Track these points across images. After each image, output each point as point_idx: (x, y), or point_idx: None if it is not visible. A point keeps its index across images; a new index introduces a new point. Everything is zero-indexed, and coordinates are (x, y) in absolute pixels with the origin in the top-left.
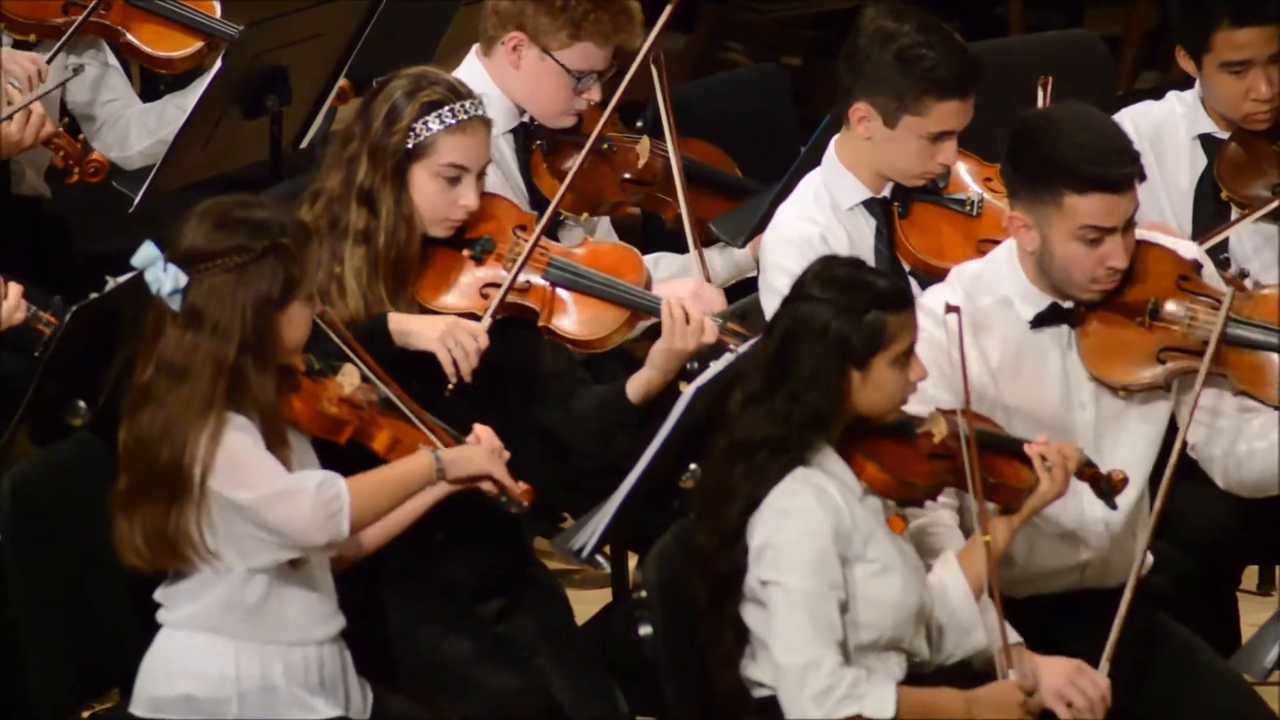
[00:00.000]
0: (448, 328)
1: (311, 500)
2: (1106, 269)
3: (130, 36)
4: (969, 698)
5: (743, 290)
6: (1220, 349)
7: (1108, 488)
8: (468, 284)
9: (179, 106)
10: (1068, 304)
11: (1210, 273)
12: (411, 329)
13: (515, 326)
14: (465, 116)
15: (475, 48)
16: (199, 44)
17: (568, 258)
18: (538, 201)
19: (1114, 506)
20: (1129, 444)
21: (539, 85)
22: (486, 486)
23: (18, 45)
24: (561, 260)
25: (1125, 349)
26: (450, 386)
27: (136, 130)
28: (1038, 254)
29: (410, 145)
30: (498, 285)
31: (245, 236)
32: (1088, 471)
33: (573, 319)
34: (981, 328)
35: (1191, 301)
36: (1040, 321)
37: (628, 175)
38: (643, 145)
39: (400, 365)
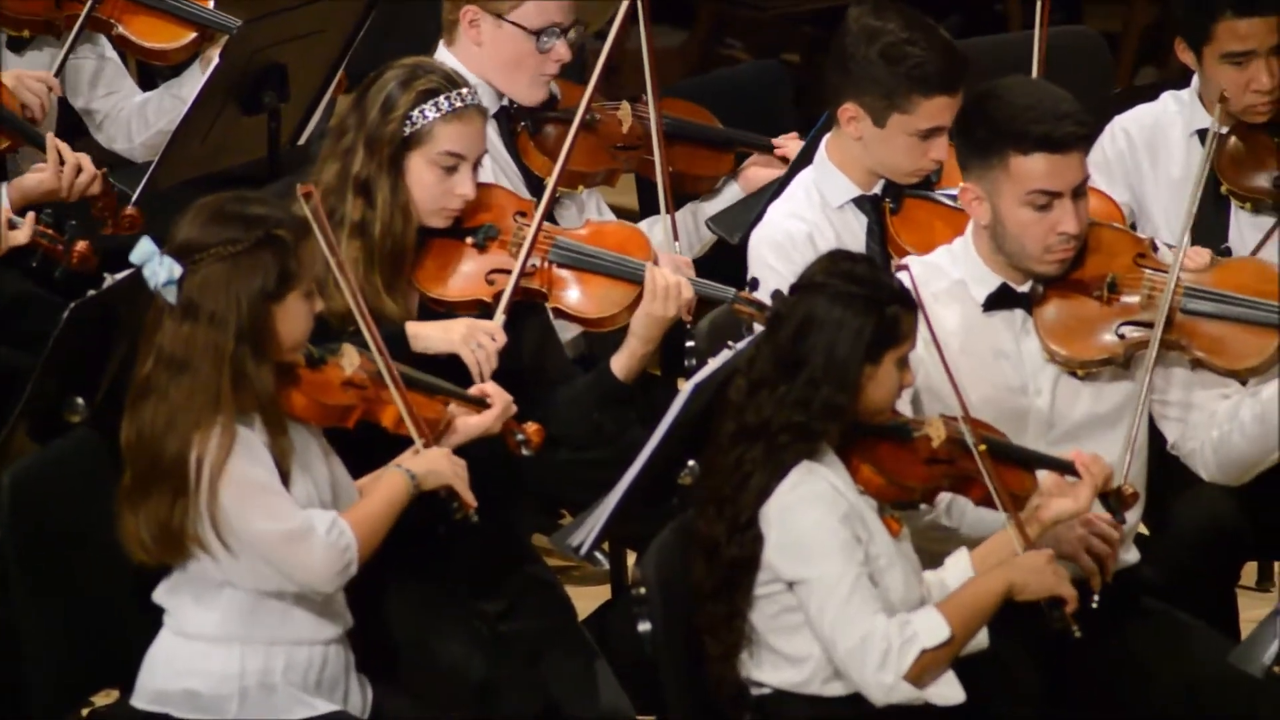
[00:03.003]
0: (468, 330)
1: (323, 545)
2: (1059, 235)
3: (122, 29)
4: (1004, 569)
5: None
6: (1178, 319)
7: (1116, 503)
8: (473, 272)
9: (175, 96)
10: (1022, 287)
11: (1165, 253)
12: (428, 334)
13: (518, 321)
14: (461, 105)
15: (440, 42)
16: (192, 35)
17: (571, 238)
18: (532, 183)
19: (1123, 520)
20: (1084, 436)
21: (504, 54)
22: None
23: (12, 42)
24: (566, 241)
25: (1084, 325)
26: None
27: (137, 123)
28: (991, 227)
29: (407, 133)
30: (503, 271)
31: (239, 229)
32: None
33: (582, 298)
34: (931, 312)
35: (1149, 275)
36: (992, 304)
37: (615, 143)
38: (624, 110)
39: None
